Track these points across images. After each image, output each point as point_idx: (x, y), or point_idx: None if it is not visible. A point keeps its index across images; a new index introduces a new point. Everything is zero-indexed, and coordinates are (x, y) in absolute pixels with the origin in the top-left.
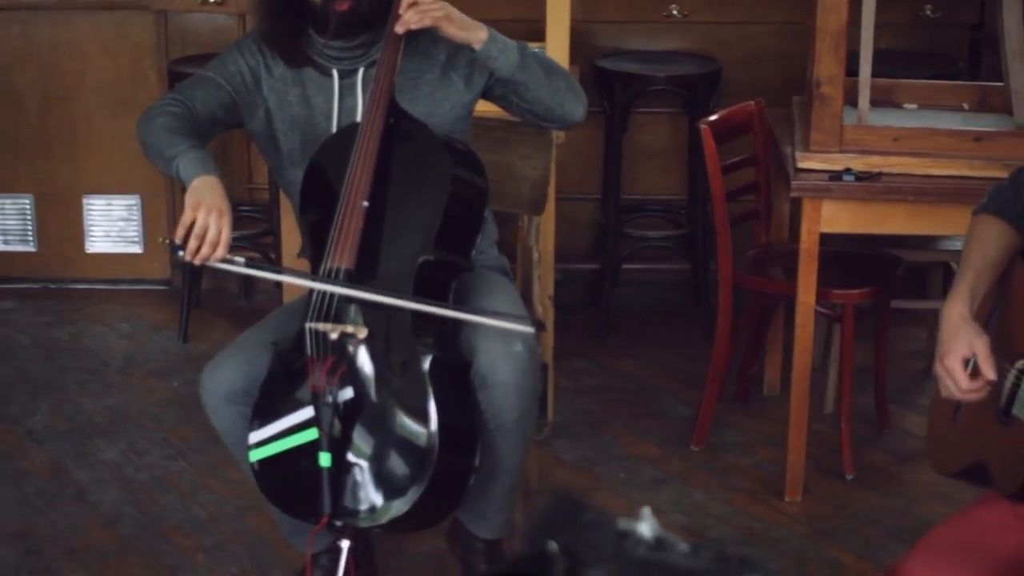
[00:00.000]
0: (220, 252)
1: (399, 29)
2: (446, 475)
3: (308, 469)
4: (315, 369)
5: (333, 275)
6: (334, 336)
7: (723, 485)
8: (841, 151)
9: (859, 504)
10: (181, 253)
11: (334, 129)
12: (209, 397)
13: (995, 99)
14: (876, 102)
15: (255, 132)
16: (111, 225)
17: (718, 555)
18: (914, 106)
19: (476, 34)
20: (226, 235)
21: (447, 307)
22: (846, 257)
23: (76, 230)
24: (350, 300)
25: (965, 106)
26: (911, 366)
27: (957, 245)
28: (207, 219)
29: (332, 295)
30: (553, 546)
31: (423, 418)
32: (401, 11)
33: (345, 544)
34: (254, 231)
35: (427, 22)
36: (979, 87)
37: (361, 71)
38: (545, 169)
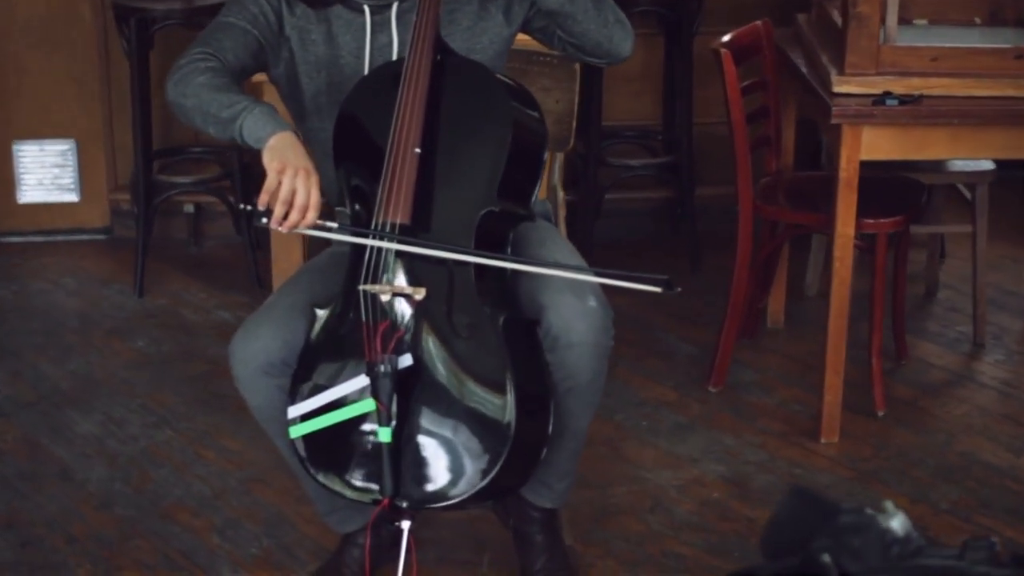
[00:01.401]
0: (311, 216)
1: None
2: (523, 446)
3: (362, 445)
4: (369, 336)
5: (386, 231)
6: (386, 298)
7: (751, 428)
8: (878, 73)
9: (897, 443)
10: (265, 221)
11: (366, 70)
12: (242, 370)
13: (1008, 12)
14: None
15: (278, 77)
16: (44, 172)
17: (991, 556)
18: (924, 22)
19: None
20: (315, 197)
21: (540, 264)
22: (866, 184)
23: (6, 179)
24: (405, 257)
25: (977, 20)
26: (911, 290)
27: (962, 167)
28: (294, 181)
29: (382, 253)
30: (827, 558)
31: (498, 385)
32: None
33: (406, 525)
34: (208, 175)
35: None
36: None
37: (395, 6)
38: (569, 103)
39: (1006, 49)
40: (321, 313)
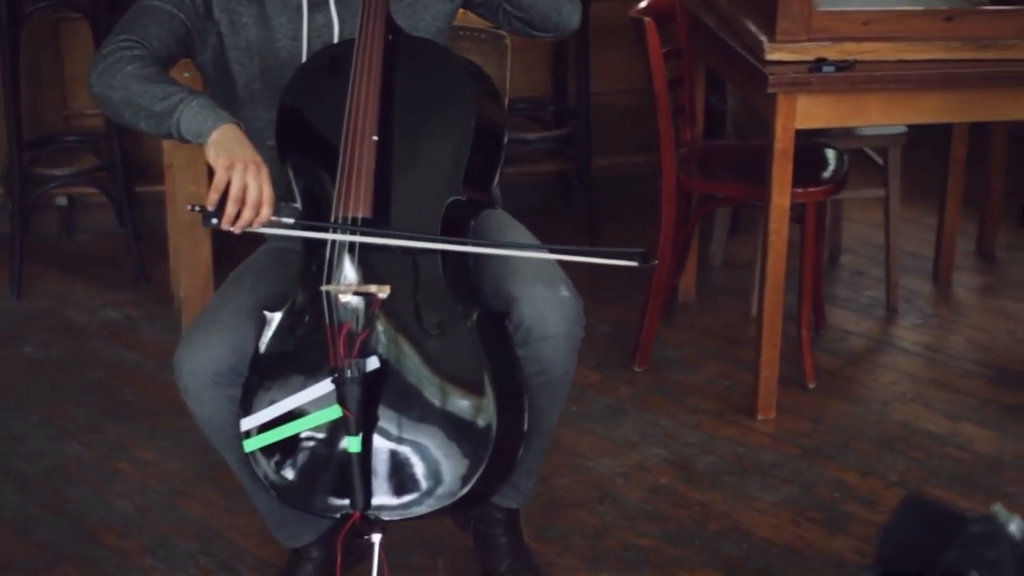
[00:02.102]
0: (266, 213)
1: None
2: (502, 449)
3: (328, 456)
4: (332, 339)
5: (347, 226)
6: (347, 298)
7: (684, 408)
8: (810, 39)
9: (833, 415)
10: (216, 222)
11: (304, 54)
12: (191, 382)
13: None
14: None
15: (205, 64)
16: None
17: None
18: None
19: None
20: (268, 192)
21: (530, 247)
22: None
23: None
24: (367, 254)
25: None
26: None
27: (871, 131)
28: (244, 177)
29: (342, 250)
30: (975, 574)
31: (475, 386)
32: None
33: (377, 539)
34: (87, 165)
35: None
36: None
37: None
38: (500, 79)
39: (936, 11)
40: (272, 317)
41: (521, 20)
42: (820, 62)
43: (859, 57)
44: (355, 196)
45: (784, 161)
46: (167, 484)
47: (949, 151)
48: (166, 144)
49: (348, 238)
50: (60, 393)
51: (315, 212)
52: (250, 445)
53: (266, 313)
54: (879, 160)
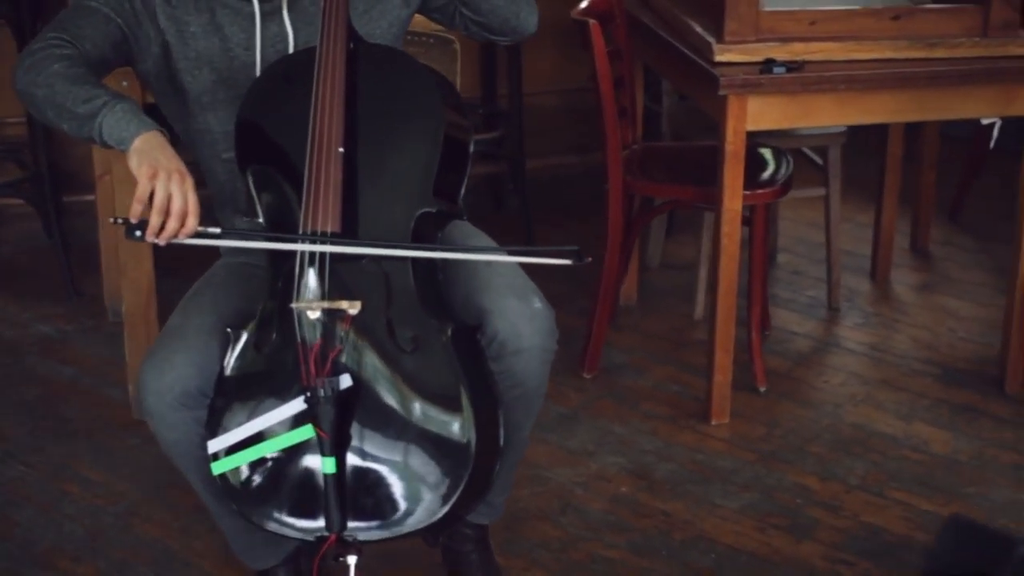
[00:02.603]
0: (191, 223)
1: None
2: (481, 466)
3: (301, 477)
4: (303, 358)
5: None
6: (315, 315)
7: (637, 414)
8: (758, 39)
9: (787, 419)
10: (140, 234)
11: (258, 62)
12: (156, 404)
13: None
14: None
15: (147, 73)
16: None
17: None
18: None
19: None
20: (194, 202)
21: (479, 250)
22: (699, 154)
23: None
24: (335, 268)
25: None
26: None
27: (809, 131)
28: (168, 186)
29: (304, 264)
30: None
31: (452, 402)
32: None
33: (353, 560)
34: (12, 177)
35: None
36: None
37: None
38: None
39: (882, 10)
40: (238, 335)
41: (479, 24)
42: (770, 63)
43: (808, 57)
44: (323, 210)
45: (735, 163)
46: (119, 505)
47: (885, 148)
48: (97, 154)
49: (310, 248)
50: None
51: (279, 227)
52: (218, 467)
53: (230, 331)
54: (818, 159)
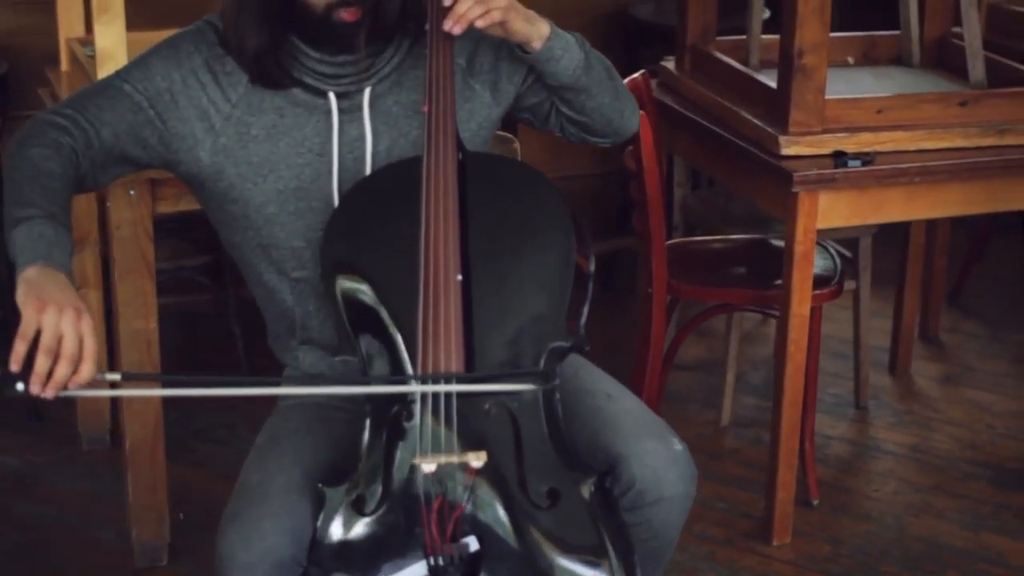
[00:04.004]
0: (87, 370)
1: (454, 28)
2: None
3: None
4: (425, 520)
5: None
6: (432, 468)
7: (691, 536)
8: (824, 131)
9: (850, 536)
10: (22, 387)
11: (335, 172)
12: None
13: (881, 50)
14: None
15: (191, 178)
16: None
17: None
18: None
19: (539, 27)
20: (91, 345)
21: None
22: (739, 251)
23: None
24: (454, 414)
25: (850, 60)
26: (760, 353)
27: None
28: (59, 324)
29: (421, 411)
30: None
31: (594, 565)
32: (449, 1)
33: None
34: None
35: (496, 17)
36: (865, 38)
37: (368, 91)
38: None
39: (950, 95)
40: (333, 492)
41: (578, 125)
42: (841, 155)
43: (878, 148)
44: (444, 347)
45: (805, 265)
46: None
47: (908, 237)
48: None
49: (435, 388)
50: None
51: (386, 366)
52: None
53: (323, 488)
54: (847, 252)
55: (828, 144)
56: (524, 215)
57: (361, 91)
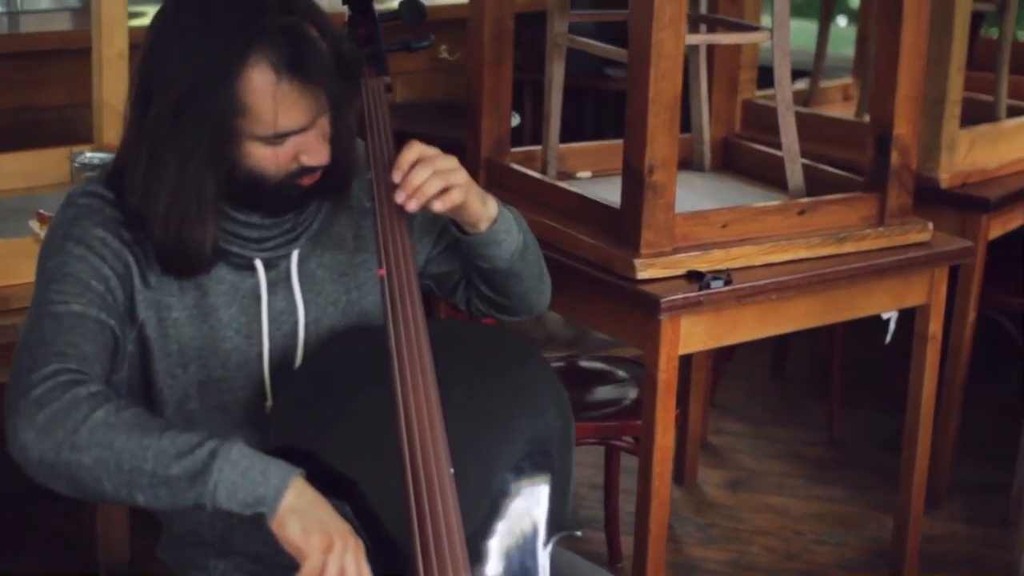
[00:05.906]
0: None
1: (409, 204)
2: None
3: None
4: None
5: None
6: None
7: None
8: (674, 250)
9: None
10: None
11: (265, 354)
12: None
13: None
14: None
15: (118, 383)
16: None
17: None
18: (588, 174)
19: (489, 207)
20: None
21: None
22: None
23: None
24: None
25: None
26: None
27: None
28: (343, 561)
29: None
30: None
31: None
32: (400, 176)
33: None
34: None
35: (456, 199)
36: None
37: (295, 255)
38: None
39: (788, 205)
40: None
41: (494, 305)
42: (699, 276)
43: (729, 265)
44: (450, 558)
45: (668, 395)
46: None
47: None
48: None
49: None
50: None
51: None
52: None
53: None
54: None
55: (682, 264)
56: (512, 395)
57: (288, 255)
